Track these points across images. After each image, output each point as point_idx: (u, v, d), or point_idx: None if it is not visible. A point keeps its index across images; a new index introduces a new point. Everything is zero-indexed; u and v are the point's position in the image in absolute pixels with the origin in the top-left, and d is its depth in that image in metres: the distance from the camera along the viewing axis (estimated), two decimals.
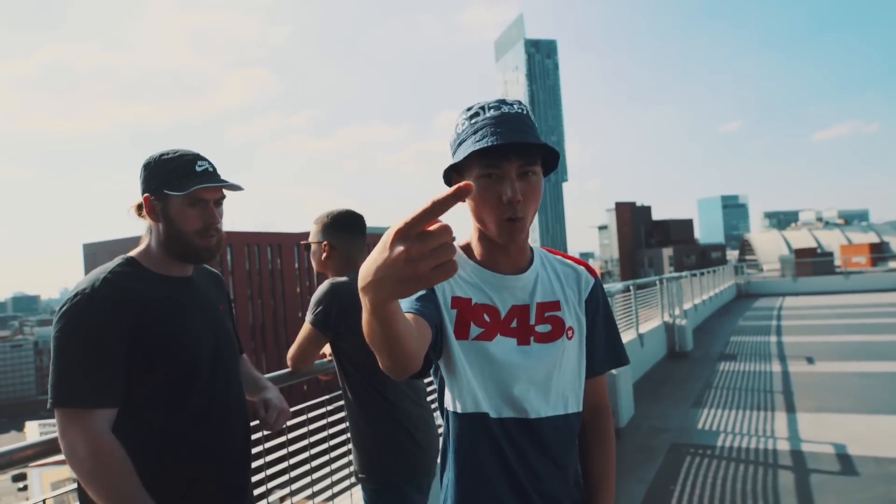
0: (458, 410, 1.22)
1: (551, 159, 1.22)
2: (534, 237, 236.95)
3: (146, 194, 1.54)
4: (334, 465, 2.51)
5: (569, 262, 1.36)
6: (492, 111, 1.17)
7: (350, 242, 2.24)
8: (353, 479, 2.59)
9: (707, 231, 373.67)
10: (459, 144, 1.19)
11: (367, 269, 0.73)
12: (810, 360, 8.15)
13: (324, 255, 2.21)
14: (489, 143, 1.11)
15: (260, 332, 57.76)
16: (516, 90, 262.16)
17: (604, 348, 1.35)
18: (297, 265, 62.02)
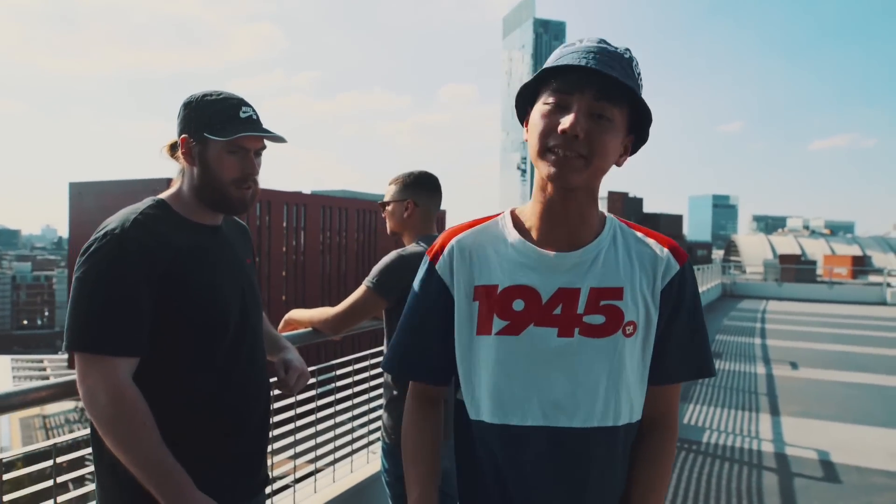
0: (478, 417, 1.08)
1: (642, 134, 1.05)
2: None
3: (184, 135, 1.46)
4: (338, 430, 2.48)
5: (649, 239, 1.11)
6: (589, 43, 1.02)
7: (431, 200, 2.27)
8: (354, 446, 2.58)
9: (695, 228, 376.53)
10: None
11: None
12: (794, 366, 8.24)
13: (406, 212, 2.21)
14: (563, 63, 0.98)
15: None
16: (520, 69, 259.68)
17: (682, 353, 1.11)
18: (284, 224, 61.59)
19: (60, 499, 1.45)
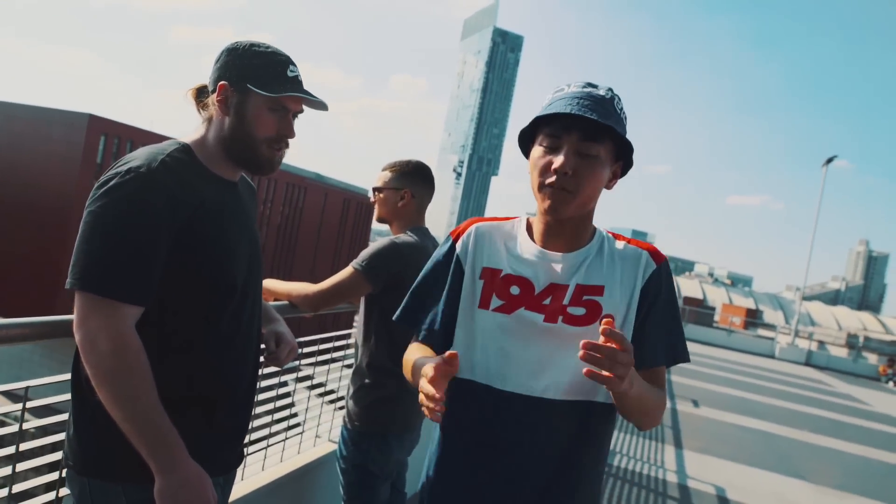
0: (468, 377, 1.23)
1: (628, 160, 1.23)
2: (450, 221, 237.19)
3: (224, 82, 1.37)
4: (293, 410, 2.40)
5: (630, 245, 1.27)
6: (575, 88, 1.19)
7: (426, 192, 2.26)
8: (305, 427, 2.51)
9: None
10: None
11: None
12: (696, 404, 8.72)
13: (401, 202, 2.20)
14: (551, 112, 1.15)
15: None
16: (473, 73, 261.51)
17: (659, 339, 1.24)
18: None
19: (24, 446, 1.32)
